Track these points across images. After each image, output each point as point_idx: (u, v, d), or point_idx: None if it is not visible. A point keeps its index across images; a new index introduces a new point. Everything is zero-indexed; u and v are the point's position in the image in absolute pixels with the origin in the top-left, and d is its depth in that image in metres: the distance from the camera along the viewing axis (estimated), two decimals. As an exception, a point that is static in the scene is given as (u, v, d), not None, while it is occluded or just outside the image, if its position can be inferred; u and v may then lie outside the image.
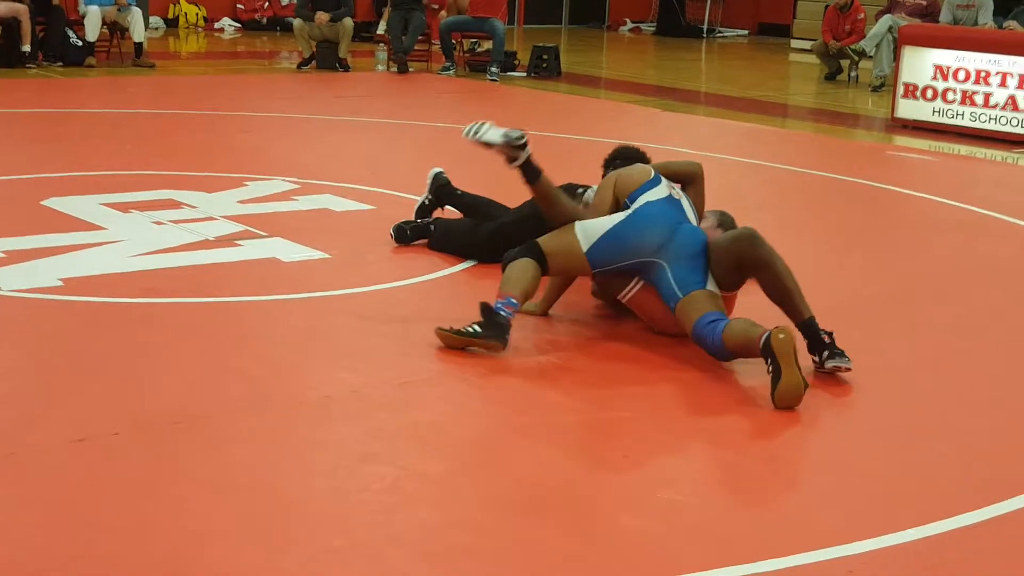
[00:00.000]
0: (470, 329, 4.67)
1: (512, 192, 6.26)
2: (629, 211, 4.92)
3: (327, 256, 5.95)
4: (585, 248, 4.85)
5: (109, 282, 5.34)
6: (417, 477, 3.59)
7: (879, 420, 4.27)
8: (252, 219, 6.57)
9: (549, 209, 5.07)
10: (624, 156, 5.61)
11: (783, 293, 4.68)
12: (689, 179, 5.25)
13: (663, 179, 5.07)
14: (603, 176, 5.43)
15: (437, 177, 6.51)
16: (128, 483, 3.46)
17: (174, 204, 6.84)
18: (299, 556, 3.08)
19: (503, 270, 4.87)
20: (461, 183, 6.50)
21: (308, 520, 3.29)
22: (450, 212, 6.47)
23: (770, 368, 4.27)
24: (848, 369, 4.54)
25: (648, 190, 4.98)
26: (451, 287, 5.63)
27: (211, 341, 4.76)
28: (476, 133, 5.00)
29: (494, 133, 4.98)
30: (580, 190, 5.82)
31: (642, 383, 4.52)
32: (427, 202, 6.50)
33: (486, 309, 4.69)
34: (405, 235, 6.30)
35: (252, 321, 5.05)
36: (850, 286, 5.85)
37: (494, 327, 4.66)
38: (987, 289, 6.03)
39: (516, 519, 3.37)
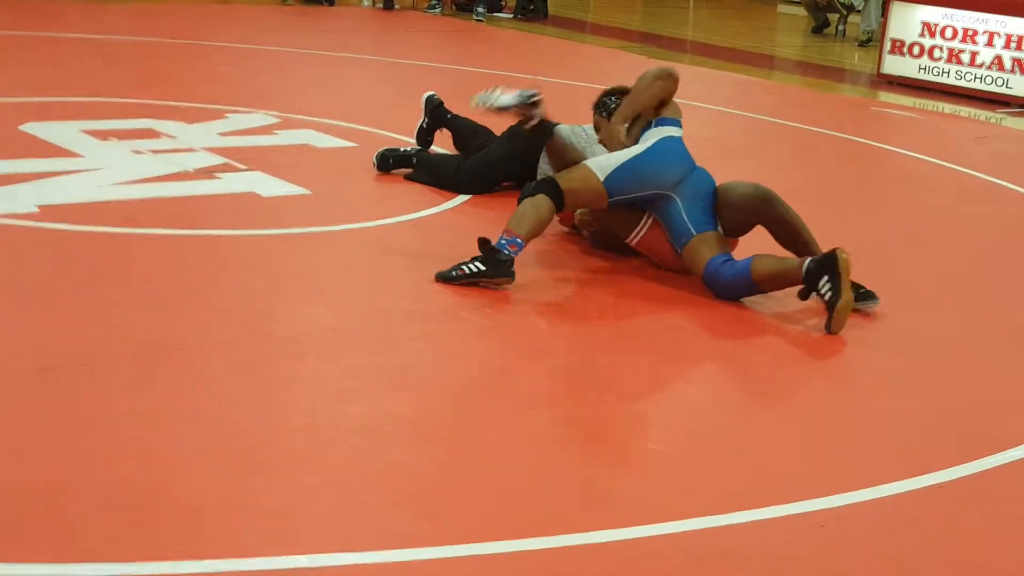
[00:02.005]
0: (473, 268, 4.65)
1: (491, 118, 6.17)
2: (645, 145, 4.94)
3: (307, 192, 5.90)
4: (602, 177, 4.87)
5: (86, 210, 5.28)
6: (391, 419, 3.58)
7: (868, 370, 4.29)
8: (232, 152, 6.50)
9: (561, 159, 5.24)
10: (620, 93, 5.54)
11: (797, 240, 4.87)
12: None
13: (681, 125, 5.11)
14: (597, 109, 5.39)
15: (430, 99, 6.59)
16: (95, 414, 3.43)
17: (153, 134, 6.76)
18: (270, 490, 3.07)
19: (519, 204, 4.87)
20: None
21: (279, 456, 3.28)
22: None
23: (824, 289, 4.47)
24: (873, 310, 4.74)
25: (674, 125, 5.04)
26: (434, 226, 5.59)
27: (186, 274, 4.73)
28: (488, 101, 5.15)
29: (507, 97, 5.12)
30: (550, 124, 5.80)
31: (638, 324, 4.53)
32: (425, 125, 6.59)
33: (486, 245, 4.68)
34: (387, 163, 6.33)
35: (229, 255, 5.01)
36: (836, 238, 5.82)
37: (497, 264, 4.66)
38: (966, 246, 6.04)
39: (490, 464, 3.36)
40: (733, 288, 4.78)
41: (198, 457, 3.23)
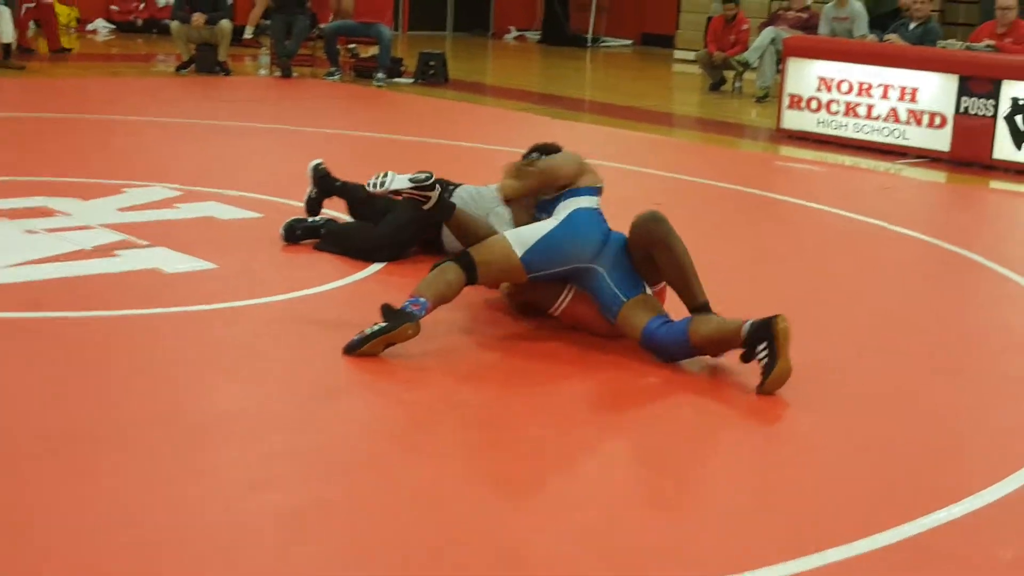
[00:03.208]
0: (373, 328, 4.51)
1: None
2: (560, 218, 4.85)
3: (213, 266, 5.70)
4: (520, 253, 4.75)
5: (-21, 294, 5.04)
6: (316, 505, 3.39)
7: (809, 429, 4.21)
8: (132, 228, 6.29)
9: (465, 237, 5.11)
10: (545, 151, 5.44)
11: (680, 272, 4.73)
12: None
13: (600, 192, 5.02)
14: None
15: (316, 168, 6.44)
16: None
17: (47, 212, 6.51)
18: (191, 593, 2.86)
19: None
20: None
21: (189, 560, 3.01)
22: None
23: (761, 355, 4.38)
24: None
25: (590, 195, 4.94)
26: (347, 297, 5.43)
27: (86, 358, 4.49)
28: (383, 184, 5.04)
29: (400, 180, 5.02)
30: (451, 187, 5.90)
31: (567, 390, 4.40)
32: (313, 195, 6.43)
33: (388, 309, 4.55)
34: (294, 234, 6.18)
35: (132, 336, 4.78)
36: (757, 294, 5.77)
37: (398, 315, 4.52)
38: (885, 294, 6.03)
39: (420, 554, 3.19)
40: (672, 352, 4.67)
41: (95, 568, 2.96)
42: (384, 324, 4.52)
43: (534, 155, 5.19)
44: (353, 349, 4.52)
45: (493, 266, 4.75)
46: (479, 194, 5.91)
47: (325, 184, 6.42)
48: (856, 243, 7.25)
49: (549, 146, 5.35)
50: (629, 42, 22.29)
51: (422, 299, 4.59)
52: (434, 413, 4.17)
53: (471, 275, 4.71)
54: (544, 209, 4.98)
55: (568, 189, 4.95)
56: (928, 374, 4.96)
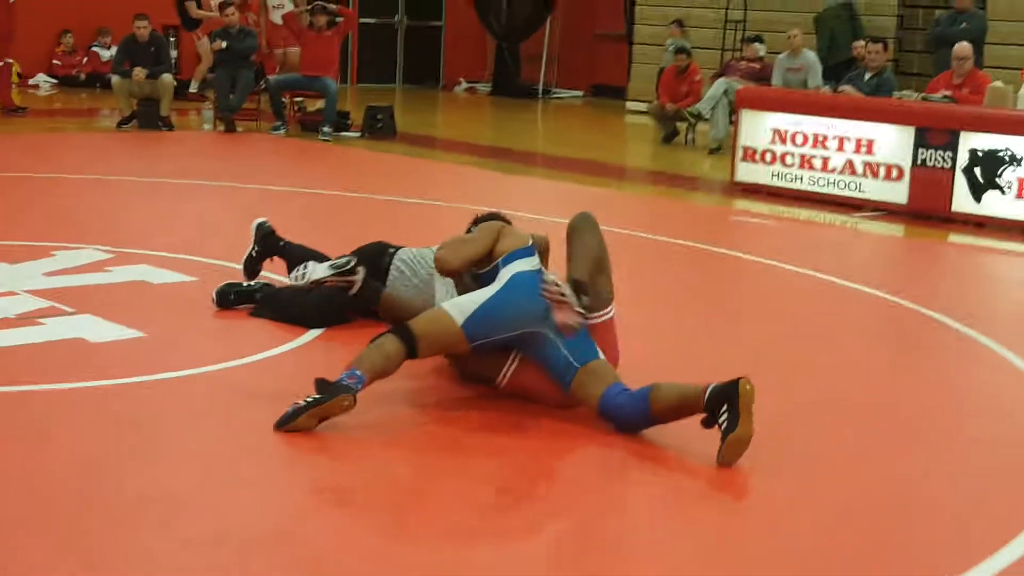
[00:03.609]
0: (306, 400, 4.23)
1: (340, 245, 5.97)
2: (500, 284, 4.63)
3: (141, 335, 5.39)
4: (461, 321, 4.50)
5: None
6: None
7: (774, 500, 3.94)
8: (58, 293, 5.96)
9: (397, 315, 4.93)
10: (494, 219, 5.25)
11: (585, 263, 4.72)
12: (540, 252, 4.99)
13: (536, 252, 4.82)
14: None
15: (261, 227, 6.18)
16: None
17: (-31, 277, 6.19)
18: None
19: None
20: (292, 239, 6.19)
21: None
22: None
23: (722, 418, 4.14)
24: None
25: (521, 258, 4.72)
26: (282, 366, 5.13)
27: (3, 435, 4.16)
28: (303, 276, 4.93)
29: (320, 269, 4.89)
30: (392, 250, 5.64)
31: (513, 463, 4.11)
32: (254, 254, 6.16)
33: (322, 383, 4.28)
34: (228, 299, 5.90)
35: (51, 413, 4.45)
36: (715, 355, 5.52)
37: (333, 387, 4.24)
38: (845, 352, 5.80)
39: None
40: (632, 422, 4.42)
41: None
42: (317, 396, 4.24)
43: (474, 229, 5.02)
44: (285, 423, 4.23)
45: (432, 337, 4.49)
46: (421, 256, 5.65)
47: (268, 244, 6.15)
48: (815, 301, 7.03)
49: (492, 216, 5.15)
50: (580, 93, 22.18)
51: (358, 372, 4.31)
52: (364, 493, 3.86)
53: (411, 348, 4.44)
54: (484, 282, 4.74)
55: (502, 256, 4.73)
56: (894, 437, 4.74)
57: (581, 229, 4.82)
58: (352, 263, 4.85)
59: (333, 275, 4.86)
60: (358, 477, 4.01)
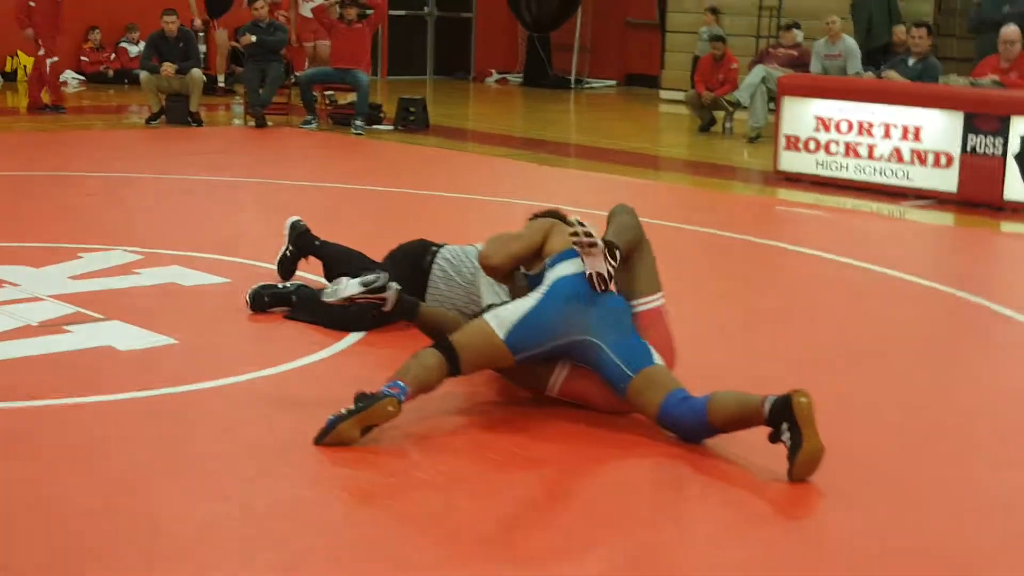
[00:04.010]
0: (347, 409, 4.00)
1: (378, 243, 5.80)
2: (543, 291, 4.36)
3: (173, 342, 5.17)
4: (503, 335, 4.25)
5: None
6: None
7: (851, 529, 3.67)
8: (85, 298, 5.75)
9: (438, 329, 4.63)
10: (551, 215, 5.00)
11: (611, 226, 4.51)
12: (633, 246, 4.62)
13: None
14: None
15: (295, 226, 5.96)
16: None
17: (-6, 282, 5.99)
18: None
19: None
20: (327, 238, 5.99)
21: None
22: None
23: (785, 435, 3.87)
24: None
25: (568, 259, 4.44)
26: (321, 373, 4.89)
27: (17, 464, 3.88)
28: (334, 293, 4.67)
29: (352, 286, 4.62)
30: (434, 248, 5.42)
31: (574, 479, 3.86)
32: (288, 253, 5.94)
33: (363, 395, 4.05)
34: (262, 301, 5.66)
35: (76, 432, 4.19)
36: (763, 358, 5.25)
37: (370, 397, 4.01)
38: (911, 355, 5.51)
39: None
40: (692, 432, 4.16)
41: None
42: (355, 406, 4.01)
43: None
44: (325, 435, 4.00)
45: (475, 351, 4.25)
46: (465, 255, 5.41)
47: (303, 243, 5.94)
48: (867, 295, 6.73)
49: (550, 214, 4.89)
50: (613, 83, 21.87)
51: (400, 383, 4.07)
52: (422, 521, 3.61)
53: (453, 363, 4.20)
54: (534, 285, 4.49)
55: (551, 257, 4.47)
56: (974, 451, 4.43)
57: (619, 212, 4.60)
58: (381, 280, 4.57)
59: (363, 292, 4.60)
60: (410, 505, 3.77)
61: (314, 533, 3.46)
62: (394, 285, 4.60)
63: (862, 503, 3.83)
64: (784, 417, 3.89)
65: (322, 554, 3.35)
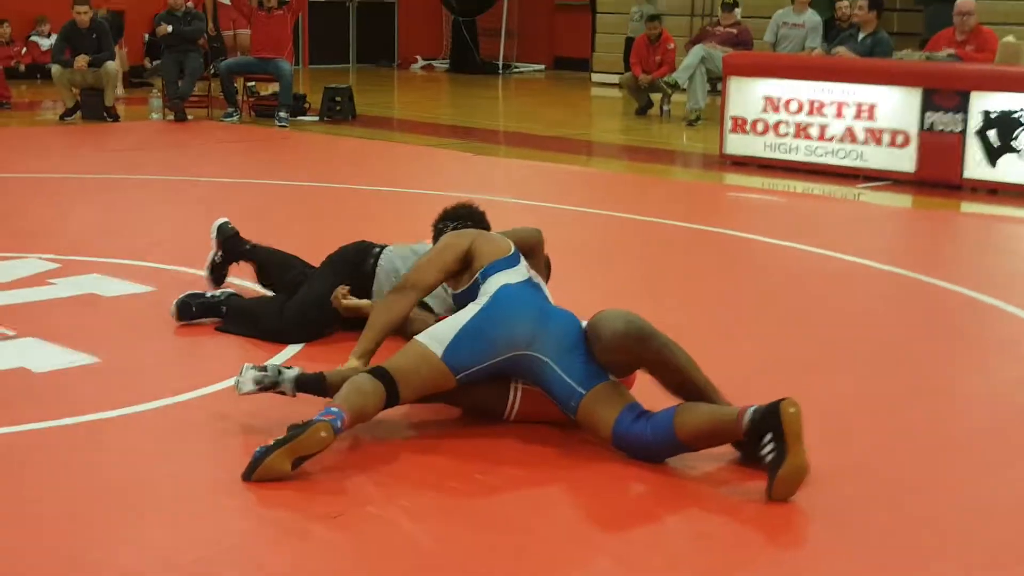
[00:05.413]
0: (273, 442, 3.55)
1: (312, 244, 5.44)
2: (483, 301, 3.96)
3: (94, 360, 4.68)
4: (440, 353, 3.84)
5: None
6: None
7: (842, 555, 3.28)
8: (-4, 313, 5.24)
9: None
10: (460, 218, 4.59)
11: (690, 387, 3.84)
12: (528, 250, 4.33)
13: (522, 258, 4.15)
14: (433, 238, 4.52)
15: (222, 228, 5.54)
16: None
17: None
18: None
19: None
20: (257, 239, 5.59)
21: None
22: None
23: (766, 450, 3.50)
24: None
25: (506, 269, 4.06)
26: (258, 395, 4.40)
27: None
28: (239, 388, 3.97)
29: (247, 381, 3.95)
30: (376, 250, 5.03)
31: (517, 501, 3.42)
32: (217, 259, 5.52)
33: (294, 426, 3.61)
34: (190, 311, 5.20)
35: (-9, 467, 3.73)
36: (728, 359, 4.84)
37: (303, 425, 3.57)
38: (887, 348, 5.16)
39: None
40: (654, 450, 3.75)
41: None
42: (288, 434, 3.56)
43: (448, 224, 4.45)
44: (253, 470, 3.54)
45: (412, 374, 3.83)
46: (412, 253, 4.98)
47: (232, 247, 5.51)
48: (829, 283, 6.38)
49: (469, 211, 4.50)
50: (542, 67, 21.49)
51: (335, 408, 3.64)
52: (369, 558, 3.17)
53: (390, 390, 3.78)
54: (462, 303, 4.08)
55: (481, 270, 4.06)
56: (972, 455, 4.07)
57: (666, 360, 3.84)
58: (272, 375, 3.95)
59: (258, 390, 3.96)
60: (353, 542, 3.32)
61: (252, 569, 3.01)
62: (290, 374, 3.99)
63: (853, 523, 3.45)
64: (769, 427, 3.53)
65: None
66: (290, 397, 3.98)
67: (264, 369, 3.97)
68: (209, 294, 5.28)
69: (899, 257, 7.06)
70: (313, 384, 3.95)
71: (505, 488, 3.65)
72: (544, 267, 4.58)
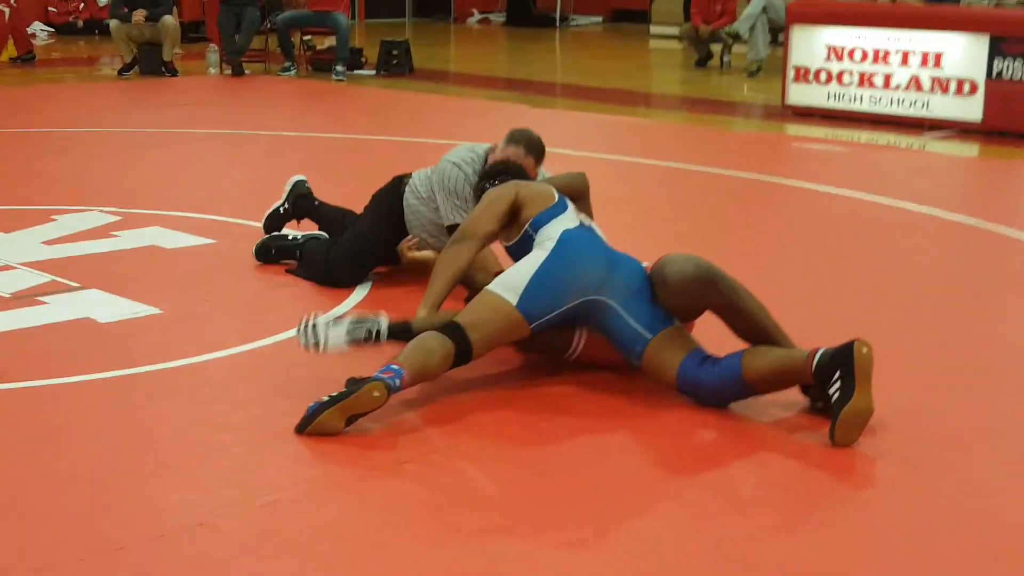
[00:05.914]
0: (327, 397, 3.53)
1: (365, 192, 5.34)
2: (549, 247, 3.90)
3: (157, 311, 4.69)
4: (515, 301, 3.79)
5: None
6: None
7: (904, 502, 3.22)
8: (61, 265, 5.27)
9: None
10: (498, 174, 4.45)
11: (758, 331, 3.79)
12: (575, 195, 4.25)
13: (570, 203, 4.08)
14: (475, 200, 4.40)
15: (297, 185, 5.54)
16: None
17: (-42, 250, 5.49)
18: None
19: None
20: (316, 193, 5.60)
21: None
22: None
23: (833, 388, 3.47)
24: None
25: (557, 216, 3.99)
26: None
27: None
28: (318, 345, 3.84)
29: (337, 336, 3.83)
30: (406, 180, 5.03)
31: (595, 455, 3.39)
32: (281, 211, 5.52)
33: (352, 381, 3.63)
34: (269, 254, 5.31)
35: (52, 418, 3.72)
36: (790, 310, 4.76)
37: (355, 382, 3.58)
38: (948, 297, 5.06)
39: None
40: (720, 393, 3.73)
41: None
42: (345, 391, 3.54)
43: (487, 183, 4.32)
44: (306, 425, 3.52)
45: (487, 327, 3.78)
46: (429, 171, 5.03)
47: (302, 205, 5.53)
48: (896, 233, 6.26)
49: (512, 167, 4.39)
50: (599, 19, 21.28)
51: (395, 366, 3.60)
52: (432, 508, 3.15)
53: (462, 346, 3.73)
54: (518, 254, 4.02)
55: (529, 220, 3.99)
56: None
57: (734, 304, 3.81)
58: (370, 332, 3.87)
59: (351, 342, 3.83)
60: (413, 494, 3.30)
61: (313, 527, 3.00)
62: (381, 322, 3.92)
63: (922, 465, 3.40)
64: (839, 365, 3.50)
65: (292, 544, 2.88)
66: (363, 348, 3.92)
67: (362, 321, 3.88)
68: (290, 235, 5.33)
69: (967, 207, 6.92)
70: (405, 333, 3.88)
71: (569, 436, 3.63)
72: (589, 214, 4.53)
